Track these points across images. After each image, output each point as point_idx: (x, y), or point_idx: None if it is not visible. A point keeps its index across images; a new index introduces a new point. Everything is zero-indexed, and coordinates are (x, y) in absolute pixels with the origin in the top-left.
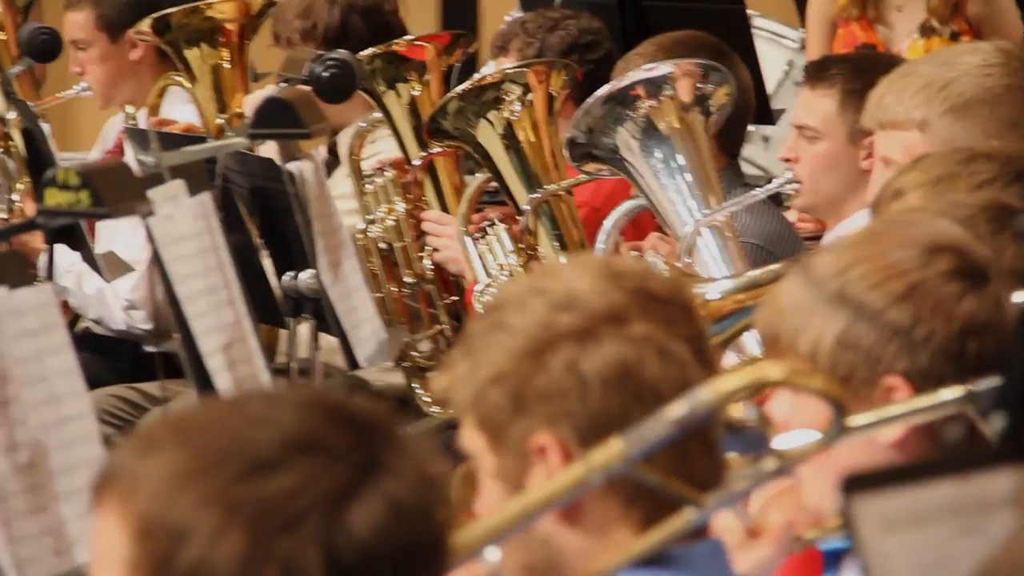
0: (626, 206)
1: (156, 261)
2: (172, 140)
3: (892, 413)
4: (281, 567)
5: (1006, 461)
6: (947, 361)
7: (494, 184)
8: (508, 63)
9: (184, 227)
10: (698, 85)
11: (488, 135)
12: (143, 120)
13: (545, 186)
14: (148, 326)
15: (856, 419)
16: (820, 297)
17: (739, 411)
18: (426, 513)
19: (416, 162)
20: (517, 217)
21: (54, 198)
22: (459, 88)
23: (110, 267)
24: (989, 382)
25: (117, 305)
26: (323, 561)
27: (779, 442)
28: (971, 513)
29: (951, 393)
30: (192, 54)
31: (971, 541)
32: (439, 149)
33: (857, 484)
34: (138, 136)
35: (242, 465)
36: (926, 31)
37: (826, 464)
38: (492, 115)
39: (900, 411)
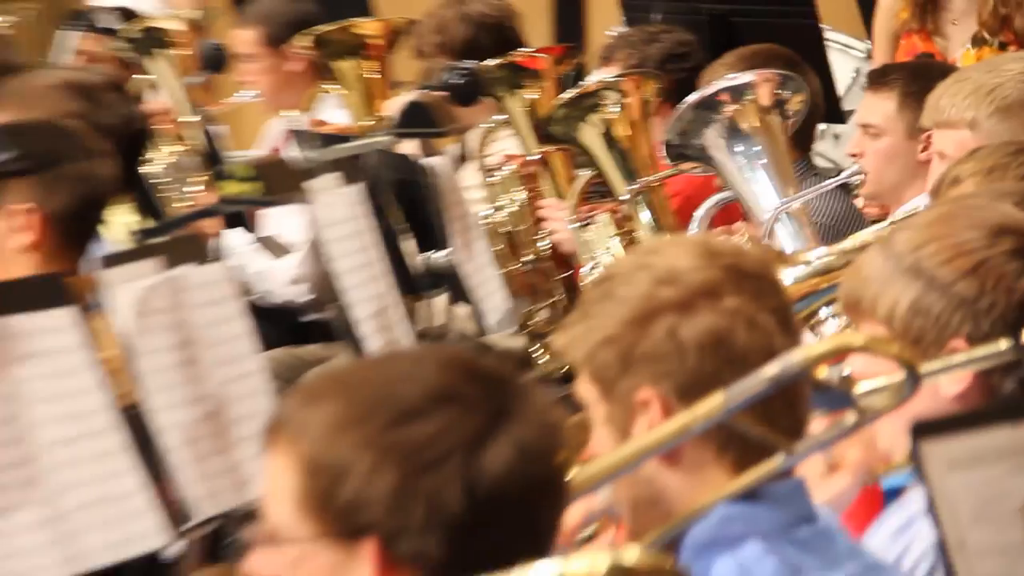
0: (715, 198)
1: (316, 241)
2: (328, 139)
3: (956, 361)
4: (426, 501)
5: None
6: (1006, 328)
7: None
8: (613, 72)
9: (340, 212)
10: (776, 91)
11: (591, 136)
12: (302, 122)
13: (642, 178)
14: (308, 298)
15: (925, 366)
16: (898, 269)
17: (824, 372)
18: (548, 454)
19: (533, 157)
20: (618, 206)
21: (229, 188)
22: (564, 96)
23: (270, 249)
24: None
25: (279, 281)
26: (462, 496)
27: (859, 390)
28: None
29: (1006, 343)
30: (343, 65)
31: (1017, 479)
32: (546, 151)
33: (925, 430)
34: (301, 136)
35: (392, 414)
36: (977, 42)
37: (897, 413)
38: (593, 119)
39: (962, 359)
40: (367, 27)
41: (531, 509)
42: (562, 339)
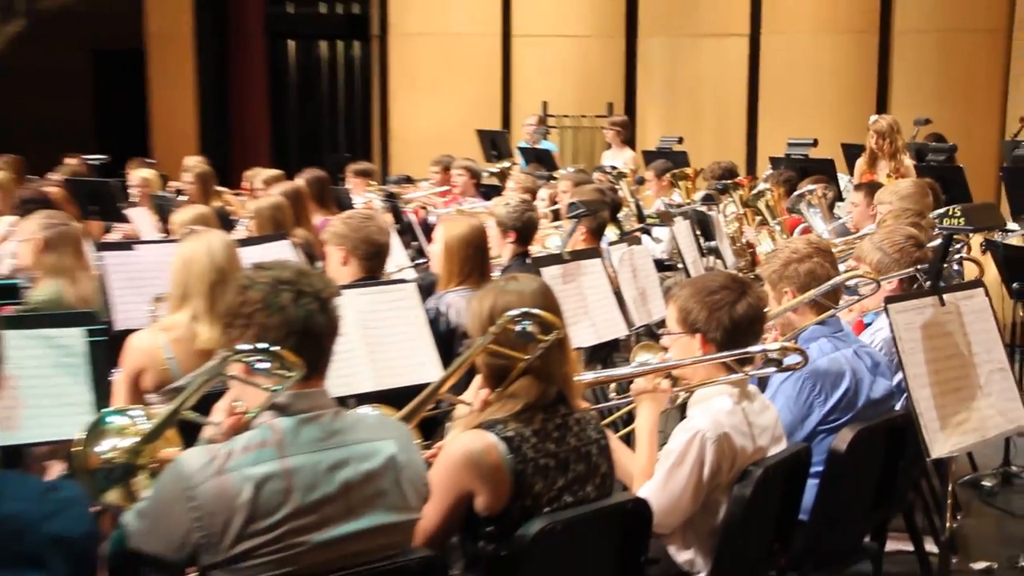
0: (802, 226)
1: (673, 236)
2: (673, 206)
3: (891, 275)
4: (716, 321)
5: (927, 296)
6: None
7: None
8: (768, 185)
9: (684, 230)
10: (824, 191)
11: (761, 204)
12: (667, 202)
13: (779, 218)
14: (667, 257)
15: (881, 279)
16: (873, 247)
17: (848, 282)
18: (760, 307)
19: (740, 212)
20: (770, 228)
21: (662, 220)
22: (754, 191)
23: (655, 241)
24: (924, 269)
25: (657, 251)
26: (728, 319)
27: (859, 288)
28: (922, 308)
29: (914, 270)
30: (680, 183)
31: (920, 316)
32: (745, 210)
33: (891, 300)
34: (669, 206)
35: (705, 292)
36: (888, 176)
37: (872, 297)
38: (762, 199)
39: (893, 275)
40: (688, 171)
41: (755, 325)
42: (760, 270)
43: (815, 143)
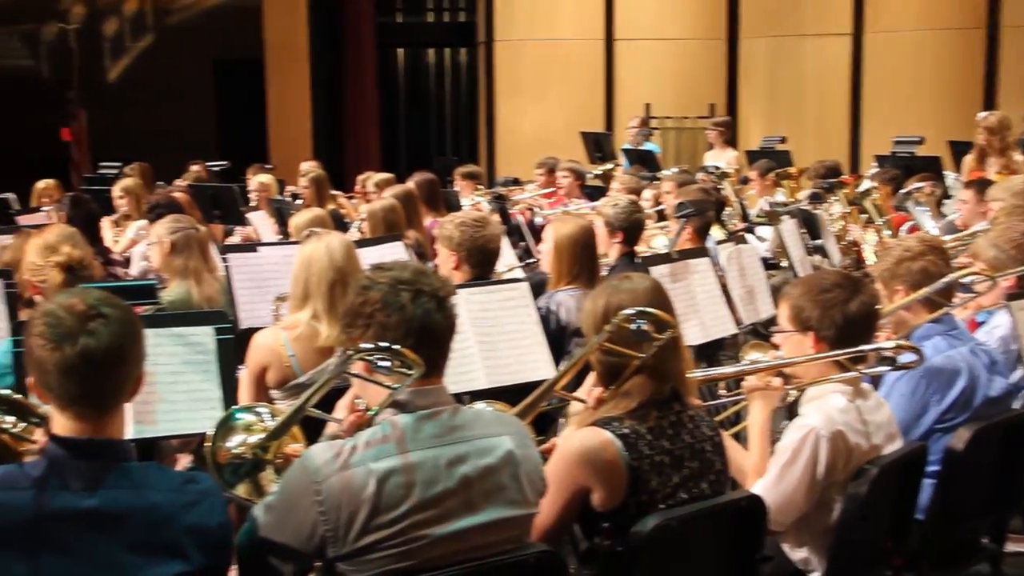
0: (909, 223)
1: (778, 237)
2: (779, 205)
3: (1007, 272)
4: (830, 318)
5: None
6: None
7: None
8: (875, 183)
9: (790, 229)
10: (932, 187)
11: (868, 203)
12: (773, 202)
13: (885, 216)
14: (771, 256)
15: (997, 276)
16: (988, 243)
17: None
18: (873, 305)
19: (846, 211)
20: (878, 226)
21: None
22: (860, 189)
23: (760, 241)
24: None
25: (761, 249)
26: (842, 317)
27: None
28: None
29: None
30: (784, 182)
31: None
32: (851, 208)
33: (1012, 297)
34: (774, 204)
35: (817, 290)
36: (998, 173)
37: (989, 294)
38: (869, 198)
39: (1014, 271)
40: (792, 170)
41: (868, 323)
42: (871, 268)
43: (922, 141)
